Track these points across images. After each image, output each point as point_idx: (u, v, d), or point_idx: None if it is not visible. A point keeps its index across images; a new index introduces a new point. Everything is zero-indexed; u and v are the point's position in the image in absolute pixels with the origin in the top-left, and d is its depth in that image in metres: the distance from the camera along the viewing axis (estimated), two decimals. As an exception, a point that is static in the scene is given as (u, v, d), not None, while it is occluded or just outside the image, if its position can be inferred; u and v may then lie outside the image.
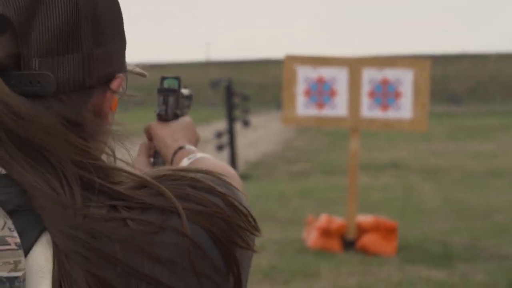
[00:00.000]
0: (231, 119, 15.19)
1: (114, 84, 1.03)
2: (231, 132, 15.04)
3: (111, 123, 1.06)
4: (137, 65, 1.25)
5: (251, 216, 1.02)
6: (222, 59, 74.56)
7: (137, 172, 1.00)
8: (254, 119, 24.17)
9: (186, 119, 1.59)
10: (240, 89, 26.07)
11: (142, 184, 0.97)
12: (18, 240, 0.90)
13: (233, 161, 14.77)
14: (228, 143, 14.94)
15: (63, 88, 0.96)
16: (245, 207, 1.02)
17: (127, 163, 1.04)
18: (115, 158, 1.03)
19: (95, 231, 0.91)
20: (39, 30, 0.95)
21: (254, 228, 1.02)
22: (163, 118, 1.56)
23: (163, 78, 1.59)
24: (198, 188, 0.98)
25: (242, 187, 1.27)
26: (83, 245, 0.90)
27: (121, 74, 1.04)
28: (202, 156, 1.48)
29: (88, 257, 0.90)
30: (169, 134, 1.54)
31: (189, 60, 75.03)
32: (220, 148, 14.98)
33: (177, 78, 1.59)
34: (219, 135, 15.18)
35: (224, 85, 15.41)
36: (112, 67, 1.02)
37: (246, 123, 16.40)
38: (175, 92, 1.57)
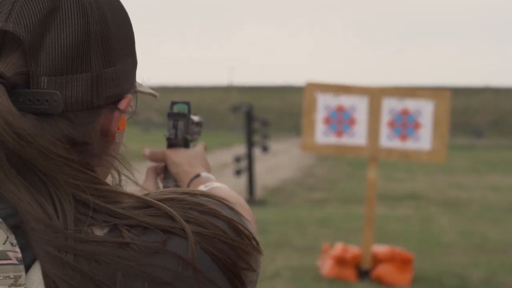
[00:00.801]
0: (250, 144, 15.19)
1: (122, 104, 1.03)
2: (250, 157, 15.03)
3: (119, 143, 1.06)
4: (151, 87, 1.24)
5: (255, 239, 1.02)
6: (244, 84, 74.77)
7: (138, 193, 1.00)
8: (273, 145, 24.15)
9: (199, 148, 1.60)
10: (261, 114, 26.06)
11: (144, 205, 0.97)
12: (19, 255, 0.90)
13: (251, 186, 14.75)
14: (247, 168, 14.93)
15: (71, 107, 0.97)
16: (249, 231, 1.01)
17: (134, 183, 1.04)
18: (120, 179, 1.02)
19: (88, 254, 0.91)
20: (49, 49, 0.95)
21: (257, 251, 1.02)
22: (173, 142, 1.57)
23: (173, 103, 1.59)
24: (202, 211, 0.98)
25: (253, 219, 1.27)
26: (72, 269, 0.90)
27: (129, 94, 1.04)
28: (218, 185, 1.48)
29: (76, 283, 0.89)
30: (186, 161, 1.54)
31: (213, 84, 75.32)
32: (238, 172, 14.97)
33: (186, 103, 1.60)
34: (238, 159, 15.17)
35: (244, 110, 15.42)
36: (121, 87, 1.03)
37: (265, 149, 16.39)
38: (185, 116, 1.58)
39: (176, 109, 1.59)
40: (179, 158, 1.55)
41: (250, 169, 14.89)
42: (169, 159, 1.56)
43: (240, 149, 21.48)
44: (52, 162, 0.93)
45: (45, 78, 0.95)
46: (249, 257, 1.00)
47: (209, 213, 0.98)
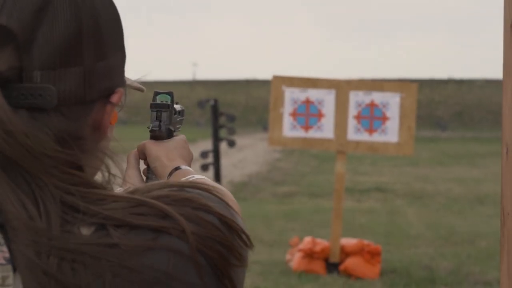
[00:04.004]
0: (216, 139, 15.16)
1: (114, 98, 1.02)
2: (216, 152, 15.01)
3: (110, 138, 1.05)
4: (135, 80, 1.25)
5: (245, 234, 1.00)
6: (209, 78, 74.64)
7: (128, 190, 0.98)
8: (239, 140, 24.18)
9: (180, 138, 1.56)
10: (226, 109, 26.08)
11: (134, 204, 0.94)
12: (7, 254, 0.88)
13: (217, 181, 14.72)
14: (213, 163, 14.90)
15: (64, 101, 0.95)
16: (239, 226, 1.00)
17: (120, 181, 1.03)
18: (110, 176, 1.00)
19: (75, 257, 0.88)
20: (41, 43, 0.94)
21: (248, 246, 1.01)
22: (157, 133, 1.53)
23: (156, 94, 1.56)
24: (194, 207, 0.96)
25: (238, 208, 1.25)
26: (54, 280, 0.87)
27: (121, 88, 1.04)
28: (199, 177, 1.43)
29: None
30: (164, 153, 1.50)
31: (176, 78, 75.10)
32: (205, 167, 14.93)
33: (169, 94, 1.57)
34: (204, 154, 15.14)
35: (210, 105, 15.39)
36: (113, 81, 1.02)
37: (231, 144, 16.37)
38: (168, 107, 1.55)
39: (159, 99, 1.56)
40: (157, 151, 1.50)
41: (216, 164, 14.86)
42: (147, 152, 1.52)
43: (206, 145, 21.46)
44: (38, 163, 0.91)
45: (39, 73, 0.94)
46: (241, 253, 0.99)
47: (201, 209, 0.96)
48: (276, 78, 8.03)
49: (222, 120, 16.10)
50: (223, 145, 16.58)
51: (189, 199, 0.97)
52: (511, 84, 1.66)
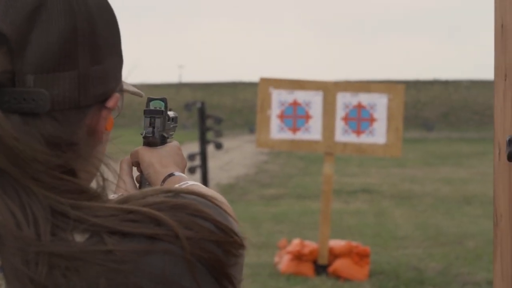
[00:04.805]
0: (203, 142, 15.14)
1: (110, 103, 1.00)
2: (203, 155, 14.98)
3: (105, 143, 1.03)
4: (133, 85, 1.24)
5: (238, 236, 0.99)
6: (195, 81, 74.49)
7: (121, 197, 0.95)
8: (226, 142, 24.17)
9: (173, 144, 1.55)
10: (213, 111, 26.07)
11: (127, 212, 0.92)
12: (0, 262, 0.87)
13: (205, 184, 14.69)
14: (200, 166, 14.88)
15: (58, 106, 0.93)
16: (233, 229, 0.99)
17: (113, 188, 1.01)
18: (104, 183, 0.97)
19: (67, 263, 0.86)
20: (35, 46, 0.92)
21: (242, 247, 0.99)
22: (150, 140, 1.52)
23: (150, 100, 1.55)
24: (190, 213, 0.95)
25: (233, 213, 1.25)
26: (37, 283, 0.85)
27: (117, 93, 1.02)
28: (193, 183, 1.43)
29: None
30: (158, 160, 1.49)
31: (163, 81, 75.01)
32: (192, 170, 14.90)
33: (163, 100, 1.56)
34: (191, 157, 15.11)
35: (197, 107, 15.36)
36: (109, 86, 1.00)
37: (218, 146, 16.34)
38: (162, 113, 1.54)
39: (152, 105, 1.54)
40: (150, 157, 1.49)
41: (203, 166, 14.83)
42: (140, 158, 1.50)
43: (193, 147, 21.43)
44: (28, 167, 0.89)
45: (32, 77, 0.92)
46: (237, 252, 0.98)
47: (197, 215, 0.95)
48: (263, 80, 8.02)
49: (209, 122, 16.07)
50: (210, 148, 16.56)
51: (185, 205, 0.95)
52: (503, 85, 1.65)
